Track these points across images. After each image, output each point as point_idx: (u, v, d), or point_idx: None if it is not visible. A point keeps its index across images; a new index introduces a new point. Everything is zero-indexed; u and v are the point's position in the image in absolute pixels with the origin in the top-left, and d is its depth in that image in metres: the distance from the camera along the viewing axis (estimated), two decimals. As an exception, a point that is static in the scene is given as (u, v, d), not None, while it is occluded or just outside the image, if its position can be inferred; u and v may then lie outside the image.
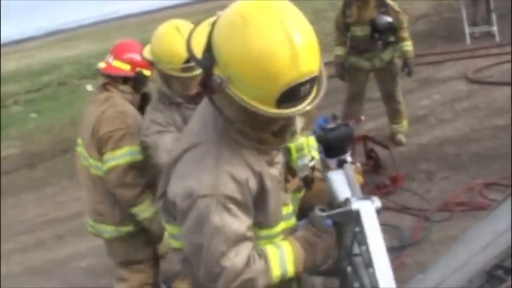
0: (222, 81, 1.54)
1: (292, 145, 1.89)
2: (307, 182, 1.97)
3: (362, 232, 1.65)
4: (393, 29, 5.56)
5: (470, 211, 4.31)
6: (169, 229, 1.91)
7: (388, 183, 5.05)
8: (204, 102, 1.80)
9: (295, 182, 1.94)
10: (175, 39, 2.94)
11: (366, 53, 5.75)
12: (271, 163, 1.79)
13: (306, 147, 1.94)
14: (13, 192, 7.07)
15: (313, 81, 1.56)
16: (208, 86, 1.60)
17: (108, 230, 3.47)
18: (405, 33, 5.66)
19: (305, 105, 1.58)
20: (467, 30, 9.85)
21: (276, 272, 1.77)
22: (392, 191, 4.96)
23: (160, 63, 3.01)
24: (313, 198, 2.01)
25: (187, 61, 2.92)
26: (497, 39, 9.54)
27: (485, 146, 5.49)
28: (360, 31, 5.63)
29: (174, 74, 2.99)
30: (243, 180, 1.68)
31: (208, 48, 1.59)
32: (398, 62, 5.84)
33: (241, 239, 1.70)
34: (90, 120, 3.33)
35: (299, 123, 1.82)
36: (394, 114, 6.09)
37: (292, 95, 1.53)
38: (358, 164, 2.23)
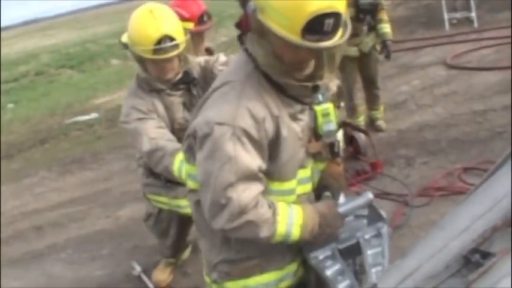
0: (256, 8, 1.68)
1: (318, 109, 1.93)
2: (333, 149, 2.00)
3: None
4: (377, 9, 5.51)
5: (450, 196, 4.33)
6: (189, 169, 1.97)
7: (368, 169, 5.07)
8: (241, 50, 1.90)
9: (317, 145, 1.96)
10: (147, 21, 2.91)
11: (351, 38, 5.63)
12: (294, 117, 1.84)
13: (332, 113, 1.96)
14: (-9, 183, 6.96)
15: (337, 17, 1.64)
16: (243, 23, 1.79)
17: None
18: (384, 16, 5.63)
19: (328, 43, 1.66)
20: (446, 16, 9.89)
21: (281, 229, 1.79)
22: (372, 176, 4.98)
23: (134, 45, 2.99)
24: (331, 179, 2.07)
25: (159, 43, 2.89)
26: (476, 25, 9.60)
27: (464, 131, 5.53)
28: None
29: (146, 56, 2.96)
30: (260, 118, 1.73)
31: None
32: (378, 47, 5.83)
33: (251, 176, 1.73)
34: None
35: (327, 82, 1.88)
36: (373, 101, 6.10)
37: (316, 25, 1.61)
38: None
